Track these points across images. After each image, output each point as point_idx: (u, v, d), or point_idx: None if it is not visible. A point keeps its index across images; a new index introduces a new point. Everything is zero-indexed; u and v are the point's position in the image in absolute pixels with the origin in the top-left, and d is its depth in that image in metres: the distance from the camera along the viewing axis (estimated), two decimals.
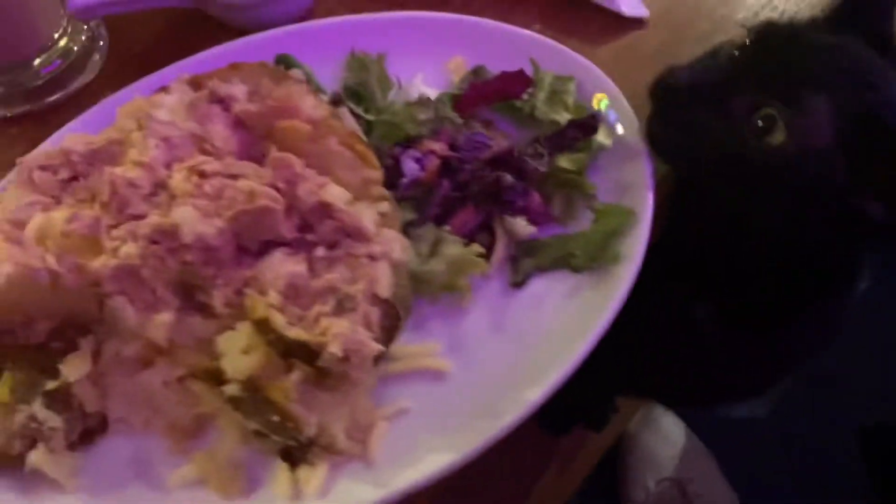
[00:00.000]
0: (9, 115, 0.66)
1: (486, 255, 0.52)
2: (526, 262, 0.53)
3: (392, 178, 0.54)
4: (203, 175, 0.47)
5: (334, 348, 0.44)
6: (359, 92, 0.59)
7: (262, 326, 0.45)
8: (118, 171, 0.48)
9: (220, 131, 0.51)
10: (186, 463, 0.47)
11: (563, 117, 0.57)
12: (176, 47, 0.64)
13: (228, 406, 0.46)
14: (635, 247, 0.50)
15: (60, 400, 0.47)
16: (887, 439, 1.16)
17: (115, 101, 0.60)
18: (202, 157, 0.49)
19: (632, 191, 0.53)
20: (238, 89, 0.53)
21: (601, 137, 0.56)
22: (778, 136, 0.45)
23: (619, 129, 0.56)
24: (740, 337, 0.52)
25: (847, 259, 0.50)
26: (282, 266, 0.47)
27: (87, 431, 0.48)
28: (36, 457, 0.46)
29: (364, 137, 0.54)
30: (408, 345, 0.50)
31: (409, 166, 0.54)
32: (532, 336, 0.50)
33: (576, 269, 0.52)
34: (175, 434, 0.48)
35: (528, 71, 0.59)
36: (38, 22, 0.67)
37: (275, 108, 0.51)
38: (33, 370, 0.47)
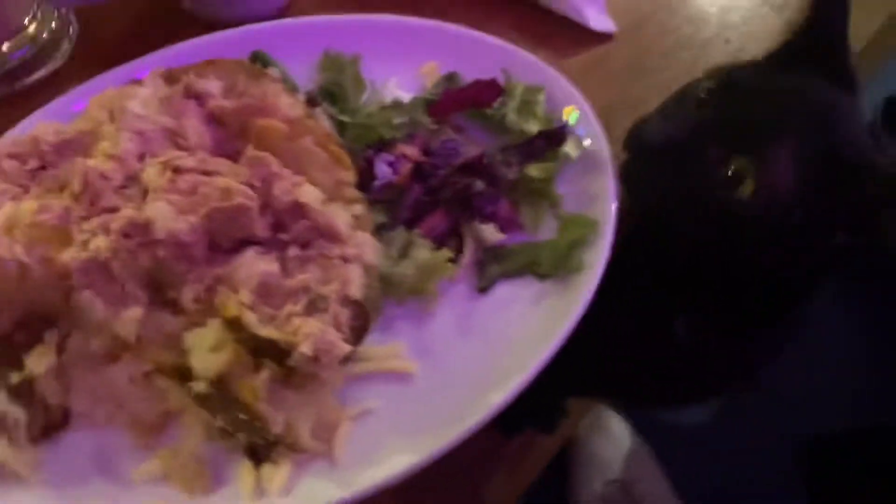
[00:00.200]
0: None
1: (454, 260, 0.53)
2: (493, 268, 0.54)
3: (364, 180, 0.54)
4: (177, 170, 0.47)
5: (305, 348, 0.44)
6: (333, 92, 0.60)
7: (234, 325, 0.45)
8: (91, 162, 0.48)
9: (194, 126, 0.51)
10: (150, 458, 0.47)
11: (533, 127, 0.58)
12: (145, 39, 0.64)
13: (194, 403, 0.46)
14: (598, 256, 0.52)
15: (24, 393, 0.46)
16: (825, 450, 1.21)
17: (85, 90, 0.59)
18: (176, 153, 0.49)
19: (596, 202, 0.55)
20: (214, 85, 0.53)
21: (569, 148, 0.57)
22: (747, 189, 0.47)
23: (586, 142, 0.58)
24: (709, 344, 0.54)
25: (808, 276, 0.52)
26: (254, 265, 0.47)
27: (50, 425, 0.47)
28: None
29: (339, 138, 0.55)
30: (374, 346, 0.50)
31: (382, 169, 0.55)
32: (496, 340, 0.51)
33: (541, 277, 0.53)
34: (139, 429, 0.47)
35: (500, 80, 0.60)
36: (7, 6, 0.66)
37: (251, 105, 0.51)
38: None
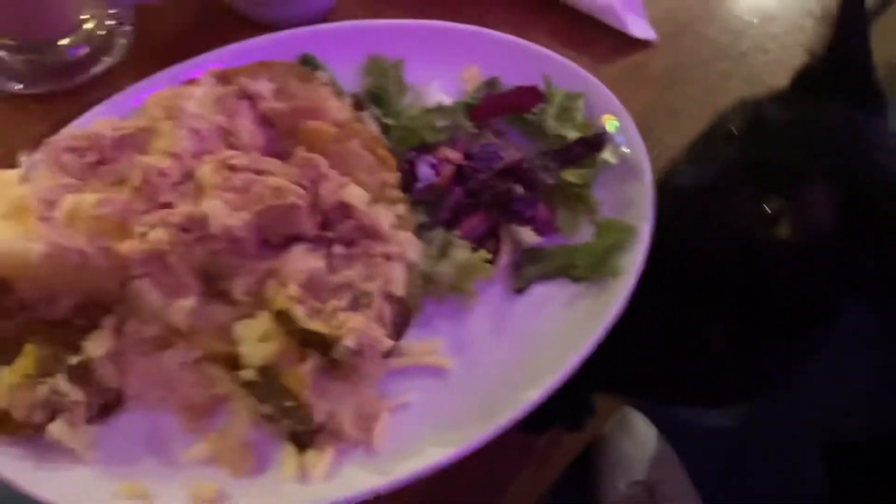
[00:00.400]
0: (31, 91, 0.68)
1: (491, 261, 0.55)
2: (529, 270, 0.55)
3: (406, 181, 0.56)
4: (232, 169, 0.49)
5: (349, 341, 0.46)
6: (378, 96, 0.62)
7: (282, 317, 0.47)
8: (150, 159, 0.50)
9: (246, 126, 0.53)
10: (199, 441, 0.49)
11: (571, 133, 0.59)
12: (198, 39, 0.66)
13: (242, 390, 0.48)
14: (634, 261, 0.53)
15: (81, 375, 0.48)
16: (849, 458, 1.20)
17: (142, 88, 0.61)
18: (230, 151, 0.51)
19: (633, 208, 0.56)
20: (265, 87, 0.55)
21: (607, 155, 0.58)
22: (784, 230, 0.47)
23: (624, 149, 0.59)
24: (740, 352, 0.55)
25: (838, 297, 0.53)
26: (302, 260, 0.49)
27: (105, 406, 0.50)
28: (56, 428, 0.47)
29: (385, 141, 0.56)
30: (413, 341, 0.52)
31: (424, 171, 0.56)
32: (531, 340, 0.53)
33: (576, 279, 0.54)
34: (190, 413, 0.50)
35: (540, 86, 0.61)
36: (65, 3, 0.68)
37: (301, 108, 0.53)
38: (56, 345, 0.49)
